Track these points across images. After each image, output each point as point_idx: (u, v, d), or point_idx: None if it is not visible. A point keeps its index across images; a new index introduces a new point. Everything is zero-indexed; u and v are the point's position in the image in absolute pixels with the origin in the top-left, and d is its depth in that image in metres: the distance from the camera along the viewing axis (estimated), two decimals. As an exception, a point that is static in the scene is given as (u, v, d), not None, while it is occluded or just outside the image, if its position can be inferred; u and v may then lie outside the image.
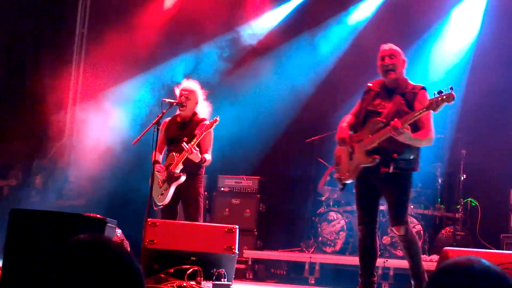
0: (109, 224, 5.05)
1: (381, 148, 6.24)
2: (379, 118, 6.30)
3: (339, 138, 6.57)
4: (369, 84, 6.69)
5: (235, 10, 12.56)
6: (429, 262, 9.24)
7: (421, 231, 9.92)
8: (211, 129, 7.84)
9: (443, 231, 10.21)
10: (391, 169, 6.21)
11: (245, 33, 12.54)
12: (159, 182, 7.79)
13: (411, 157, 6.33)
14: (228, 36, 12.61)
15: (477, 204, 10.49)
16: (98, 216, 5.00)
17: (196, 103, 8.01)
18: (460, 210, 10.28)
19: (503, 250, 9.59)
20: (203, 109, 8.10)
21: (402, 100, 6.34)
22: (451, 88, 5.85)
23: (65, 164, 13.11)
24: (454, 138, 10.55)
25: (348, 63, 11.59)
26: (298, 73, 11.99)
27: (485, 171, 10.58)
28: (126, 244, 7.84)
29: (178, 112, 8.07)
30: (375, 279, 6.52)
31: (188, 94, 7.90)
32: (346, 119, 6.72)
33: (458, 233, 10.00)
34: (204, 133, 7.60)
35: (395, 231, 6.41)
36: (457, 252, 5.86)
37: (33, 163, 12.76)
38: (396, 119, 6.00)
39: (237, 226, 7.02)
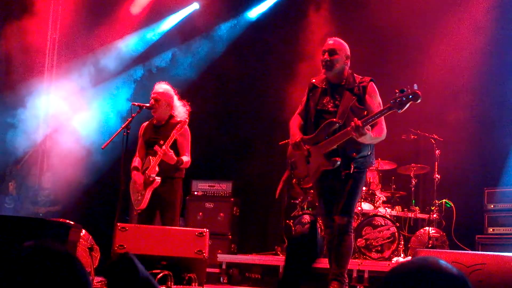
0: (74, 229, 4.97)
1: (339, 149, 6.11)
2: (334, 119, 6.14)
3: (293, 143, 6.36)
4: (312, 80, 6.53)
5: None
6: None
7: (396, 233, 9.88)
8: (188, 131, 7.80)
9: (417, 233, 10.18)
10: (352, 170, 6.11)
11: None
12: (137, 187, 7.71)
13: (368, 152, 6.27)
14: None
15: (452, 205, 10.48)
16: (61, 220, 4.91)
17: (169, 105, 7.92)
18: (435, 211, 10.26)
19: (477, 251, 9.61)
20: (180, 111, 8.00)
21: (352, 95, 6.20)
22: (415, 86, 5.68)
23: (39, 170, 13.01)
24: (428, 138, 10.50)
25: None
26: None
27: (460, 171, 10.59)
28: (96, 249, 7.76)
29: (154, 116, 8.00)
30: None
31: (157, 96, 7.83)
32: (295, 122, 6.55)
33: (433, 234, 9.97)
34: (175, 135, 7.52)
35: (337, 220, 6.20)
36: (430, 254, 5.81)
37: (6, 170, 12.63)
38: (355, 119, 5.85)
39: (207, 230, 6.95)
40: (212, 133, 12.10)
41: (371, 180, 10.75)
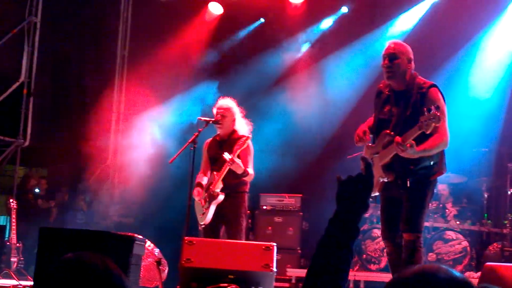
0: (137, 242, 5.02)
1: (395, 162, 5.95)
2: (387, 131, 6.02)
3: (357, 133, 6.34)
4: (380, 86, 6.39)
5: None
6: (477, 279, 9.06)
7: (468, 247, 9.73)
8: (250, 145, 7.80)
9: (490, 247, 9.99)
10: (408, 183, 5.95)
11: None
12: (201, 201, 7.76)
13: (431, 162, 6.03)
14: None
15: (525, 219, 10.24)
16: (126, 234, 4.97)
17: (233, 121, 7.95)
18: (507, 225, 10.04)
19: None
20: (243, 127, 8.02)
21: (409, 105, 6.02)
22: (436, 108, 5.52)
23: (110, 185, 13.21)
24: (500, 151, 10.32)
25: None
26: (337, 86, 11.95)
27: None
28: (164, 263, 7.82)
29: (218, 132, 8.03)
30: None
31: (224, 112, 7.86)
32: (369, 122, 6.49)
33: (506, 249, 9.76)
34: (238, 150, 7.54)
35: (405, 237, 6.05)
36: (500, 268, 5.69)
37: (79, 185, 12.86)
38: (397, 136, 5.75)
39: (274, 244, 6.91)
40: (281, 147, 12.10)
41: (441, 194, 10.62)
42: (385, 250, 9.81)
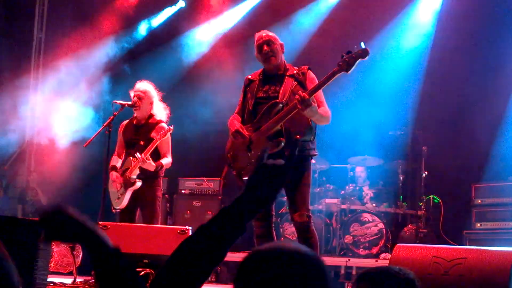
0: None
1: (284, 131, 5.91)
2: (277, 100, 6.04)
3: (233, 132, 6.17)
4: (248, 77, 6.44)
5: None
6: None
7: (384, 229, 9.89)
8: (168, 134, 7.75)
9: (405, 229, 10.19)
10: (297, 151, 5.93)
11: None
12: (116, 186, 7.67)
13: (312, 138, 6.09)
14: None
15: (440, 201, 10.46)
16: (33, 219, 4.89)
17: (151, 104, 7.85)
18: (422, 207, 10.24)
19: (465, 246, 9.59)
20: (160, 111, 7.94)
21: (293, 81, 6.12)
22: (362, 44, 5.60)
23: (26, 170, 12.98)
24: (415, 134, 10.49)
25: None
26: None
27: (447, 167, 10.58)
28: (78, 248, 7.72)
29: (134, 114, 7.93)
30: None
31: (140, 95, 7.75)
32: (234, 119, 6.42)
33: (421, 230, 9.97)
34: (156, 143, 7.50)
35: (296, 219, 6.01)
36: (409, 248, 5.77)
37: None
38: (300, 91, 5.77)
39: (190, 228, 6.89)
40: (200, 132, 12.06)
41: (358, 176, 10.77)
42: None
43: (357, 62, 5.62)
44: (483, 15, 10.82)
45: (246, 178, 5.94)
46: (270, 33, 6.39)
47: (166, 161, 7.72)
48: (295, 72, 6.20)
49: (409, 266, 4.81)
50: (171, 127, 7.62)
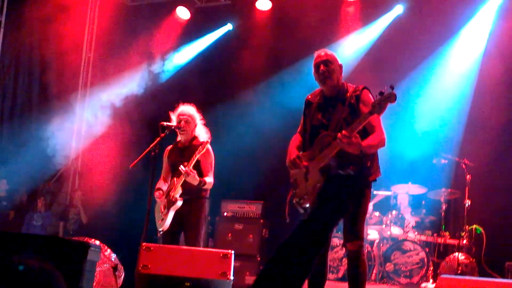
0: (92, 248, 5.00)
1: (340, 162, 5.76)
2: (326, 132, 5.95)
3: (289, 161, 6.12)
4: (308, 97, 6.37)
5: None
6: (433, 290, 9.17)
7: (425, 258, 9.83)
8: (211, 151, 7.81)
9: (447, 259, 10.09)
10: (351, 172, 5.77)
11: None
12: (160, 207, 7.73)
13: (368, 164, 5.97)
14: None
15: (482, 231, 10.36)
16: (80, 239, 4.95)
17: (195, 127, 7.96)
18: (465, 237, 10.15)
19: (507, 278, 9.48)
20: (203, 134, 8.03)
21: (346, 107, 6.01)
22: (392, 87, 5.46)
23: (70, 188, 13.13)
24: (459, 163, 10.42)
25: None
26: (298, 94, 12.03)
27: (490, 197, 10.48)
28: (120, 269, 7.79)
29: (178, 138, 8.02)
30: None
31: (187, 118, 7.85)
32: (294, 140, 6.38)
33: (462, 260, 9.87)
34: (197, 155, 7.54)
35: (349, 247, 5.93)
36: (453, 280, 5.74)
37: (38, 187, 12.74)
38: (343, 131, 5.58)
39: (232, 252, 6.91)
40: (244, 154, 12.11)
41: (400, 204, 10.71)
42: (343, 259, 9.92)
43: (386, 105, 5.49)
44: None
45: (305, 206, 5.93)
46: (329, 52, 6.30)
47: (209, 180, 7.77)
48: (348, 95, 6.09)
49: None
50: (208, 140, 7.68)
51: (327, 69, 6.15)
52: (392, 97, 5.46)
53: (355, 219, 5.98)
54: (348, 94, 6.10)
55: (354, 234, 5.95)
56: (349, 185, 5.75)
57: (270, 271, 2.38)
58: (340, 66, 6.28)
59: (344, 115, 5.99)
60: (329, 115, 6.12)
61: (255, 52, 12.99)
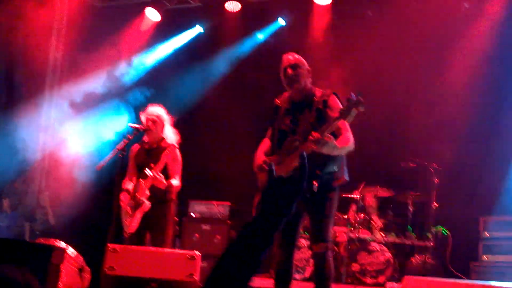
0: (57, 252, 4.98)
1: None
2: (294, 136, 6.00)
3: (256, 166, 6.21)
4: (276, 101, 6.36)
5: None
6: (399, 290, 9.24)
7: (391, 259, 9.89)
8: (178, 155, 7.81)
9: (413, 259, 10.18)
10: (315, 188, 5.81)
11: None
12: (128, 209, 7.71)
13: (335, 168, 6.05)
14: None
15: (448, 232, 10.48)
16: (44, 242, 4.93)
17: (163, 128, 7.95)
18: (431, 238, 10.26)
19: (472, 278, 9.61)
20: (171, 135, 8.02)
21: (313, 112, 6.06)
22: (358, 95, 5.54)
23: (37, 189, 13.02)
24: (427, 166, 10.51)
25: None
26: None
27: (457, 200, 10.59)
28: (87, 271, 7.75)
29: (146, 139, 8.01)
30: None
31: (154, 118, 7.87)
32: (262, 145, 6.45)
33: (428, 261, 9.97)
34: (164, 160, 7.54)
35: (315, 249, 6.03)
36: (418, 281, 5.79)
37: (4, 188, 12.62)
38: (313, 132, 5.64)
39: (199, 253, 6.91)
40: (211, 155, 12.12)
41: (368, 206, 10.77)
42: (310, 260, 9.95)
43: (354, 112, 5.56)
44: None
45: None
46: (297, 56, 6.32)
47: (175, 183, 7.76)
48: (315, 100, 6.12)
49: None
50: (176, 144, 7.69)
51: (295, 72, 6.19)
52: (359, 104, 5.52)
53: (321, 222, 6.06)
54: (316, 99, 6.13)
55: (321, 236, 6.03)
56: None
57: (215, 273, 2.35)
58: (309, 71, 6.31)
59: (312, 120, 6.02)
60: (296, 120, 6.15)
61: (225, 54, 13.03)
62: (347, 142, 5.96)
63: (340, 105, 5.98)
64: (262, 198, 2.37)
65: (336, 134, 5.89)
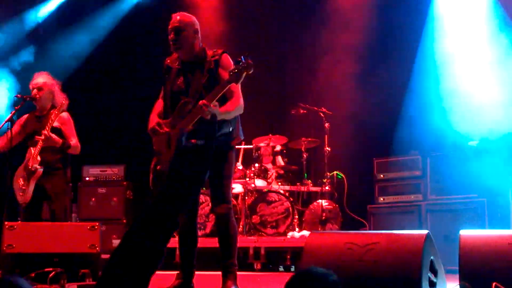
0: None
1: (197, 130, 5.65)
2: (187, 99, 5.86)
3: (150, 129, 6.03)
4: (167, 61, 6.22)
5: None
6: (299, 238, 9.35)
7: (290, 208, 9.98)
8: (69, 117, 7.64)
9: (311, 206, 10.30)
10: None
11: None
12: (19, 180, 7.48)
13: (230, 129, 6.00)
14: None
15: (343, 176, 10.67)
16: None
17: (51, 94, 7.72)
18: (327, 183, 10.43)
19: (369, 220, 9.85)
20: (60, 100, 7.77)
21: (205, 72, 5.94)
22: (247, 56, 5.50)
23: None
24: (317, 112, 10.60)
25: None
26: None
27: (349, 143, 10.77)
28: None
29: (36, 107, 7.78)
30: (195, 269, 6.23)
31: (40, 85, 7.63)
32: (156, 107, 6.28)
33: (326, 207, 10.12)
34: (55, 119, 7.32)
35: (217, 211, 6.03)
36: (323, 236, 5.86)
37: None
38: (201, 101, 5.55)
39: (99, 223, 6.78)
40: (103, 118, 11.89)
41: (262, 156, 10.80)
42: (210, 215, 9.93)
43: (243, 75, 5.50)
44: None
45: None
46: (184, 17, 6.11)
47: (73, 143, 7.60)
48: (207, 60, 5.99)
49: (324, 254, 4.88)
50: (64, 102, 7.47)
51: (177, 37, 6.00)
52: (249, 67, 5.48)
53: (220, 183, 6.04)
54: (208, 59, 6.02)
55: (221, 197, 6.03)
56: (199, 158, 5.71)
57: (118, 260, 2.28)
58: (195, 31, 6.11)
59: (203, 81, 5.91)
60: (188, 81, 6.04)
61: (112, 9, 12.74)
62: (234, 106, 5.88)
63: (232, 64, 5.90)
64: (171, 167, 2.31)
65: (227, 97, 5.82)
